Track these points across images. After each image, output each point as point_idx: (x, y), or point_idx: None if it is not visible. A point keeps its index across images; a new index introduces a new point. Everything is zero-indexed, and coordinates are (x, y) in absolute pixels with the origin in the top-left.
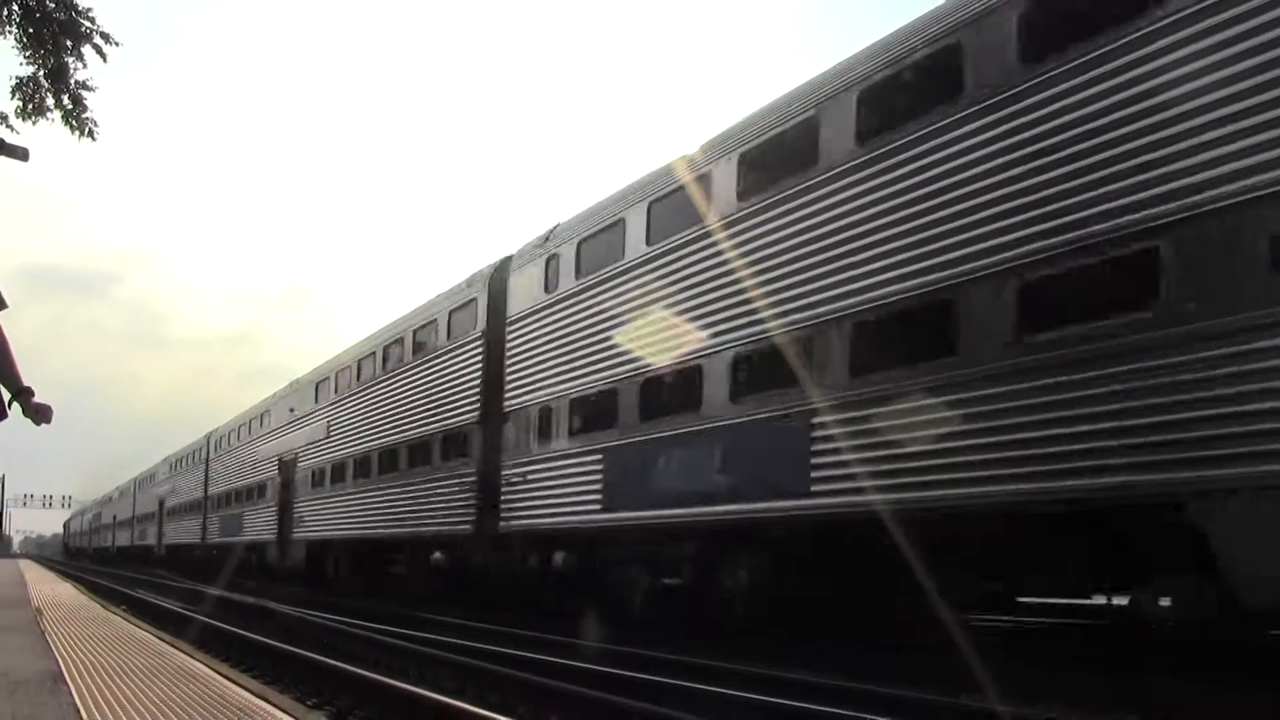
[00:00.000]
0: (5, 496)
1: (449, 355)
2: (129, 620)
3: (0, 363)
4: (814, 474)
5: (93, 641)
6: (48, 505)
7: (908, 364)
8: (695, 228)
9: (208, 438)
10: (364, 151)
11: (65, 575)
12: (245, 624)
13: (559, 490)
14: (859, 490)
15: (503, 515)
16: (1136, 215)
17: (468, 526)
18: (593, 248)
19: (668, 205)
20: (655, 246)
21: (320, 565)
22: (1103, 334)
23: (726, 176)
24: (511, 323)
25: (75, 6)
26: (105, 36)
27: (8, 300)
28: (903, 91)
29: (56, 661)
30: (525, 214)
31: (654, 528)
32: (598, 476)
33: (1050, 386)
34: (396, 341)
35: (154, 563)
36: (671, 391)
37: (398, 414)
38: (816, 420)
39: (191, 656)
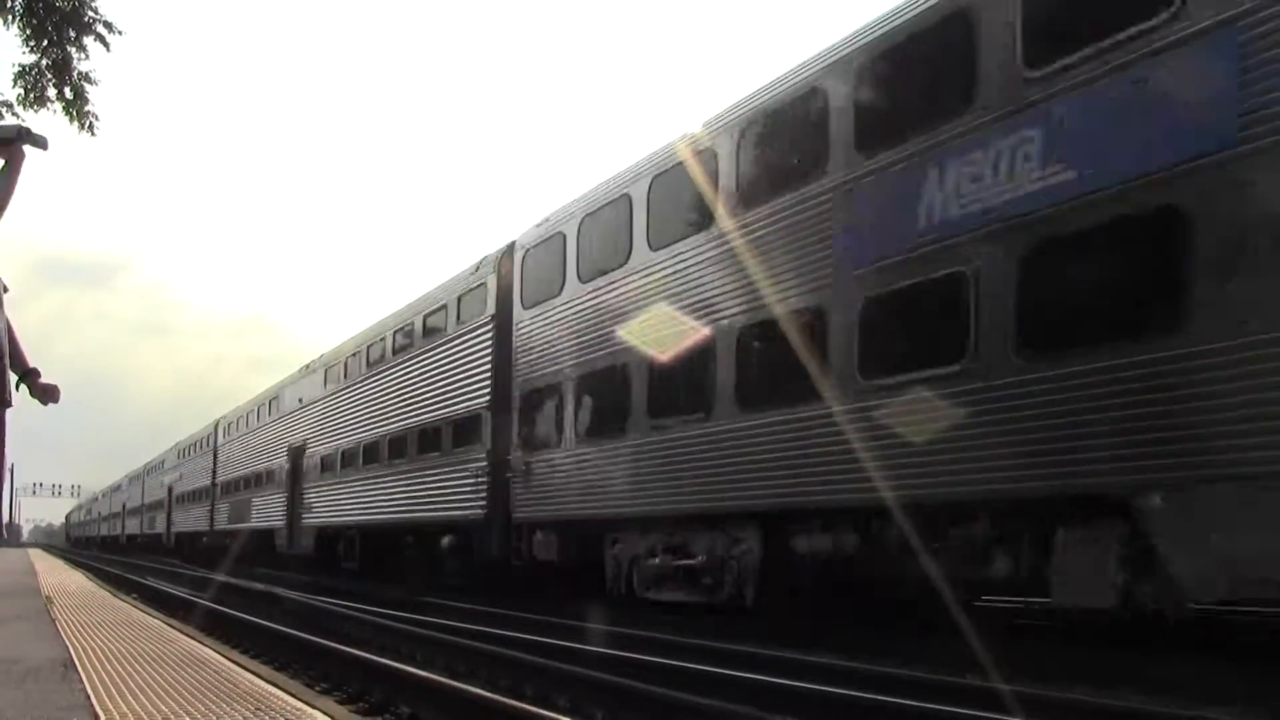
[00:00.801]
0: (14, 485)
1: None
2: (138, 607)
3: (5, 343)
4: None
5: (102, 628)
6: (57, 494)
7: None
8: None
9: (119, 483)
10: (367, 145)
11: (75, 564)
12: (253, 609)
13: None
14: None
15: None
16: None
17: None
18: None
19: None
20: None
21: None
22: None
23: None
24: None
25: None
26: (108, 25)
27: (7, 284)
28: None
29: (67, 648)
30: (519, 205)
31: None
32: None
33: None
34: (192, 445)
35: (119, 549)
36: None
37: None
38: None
39: (200, 643)
